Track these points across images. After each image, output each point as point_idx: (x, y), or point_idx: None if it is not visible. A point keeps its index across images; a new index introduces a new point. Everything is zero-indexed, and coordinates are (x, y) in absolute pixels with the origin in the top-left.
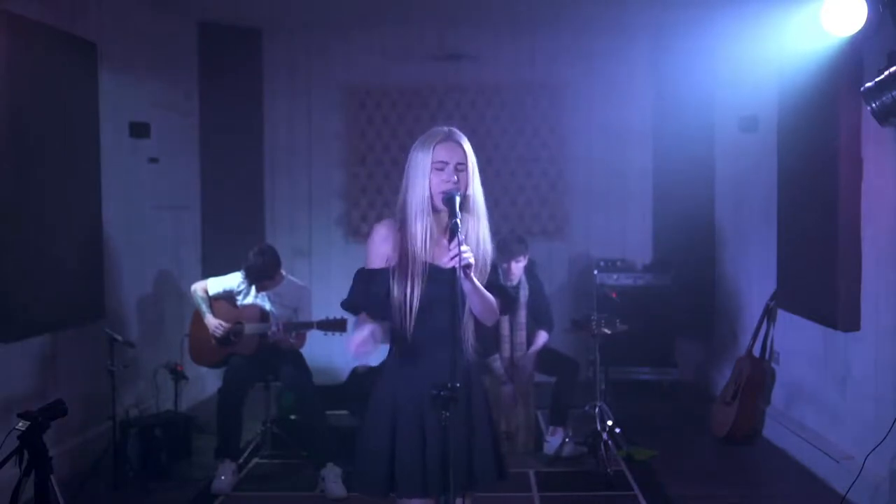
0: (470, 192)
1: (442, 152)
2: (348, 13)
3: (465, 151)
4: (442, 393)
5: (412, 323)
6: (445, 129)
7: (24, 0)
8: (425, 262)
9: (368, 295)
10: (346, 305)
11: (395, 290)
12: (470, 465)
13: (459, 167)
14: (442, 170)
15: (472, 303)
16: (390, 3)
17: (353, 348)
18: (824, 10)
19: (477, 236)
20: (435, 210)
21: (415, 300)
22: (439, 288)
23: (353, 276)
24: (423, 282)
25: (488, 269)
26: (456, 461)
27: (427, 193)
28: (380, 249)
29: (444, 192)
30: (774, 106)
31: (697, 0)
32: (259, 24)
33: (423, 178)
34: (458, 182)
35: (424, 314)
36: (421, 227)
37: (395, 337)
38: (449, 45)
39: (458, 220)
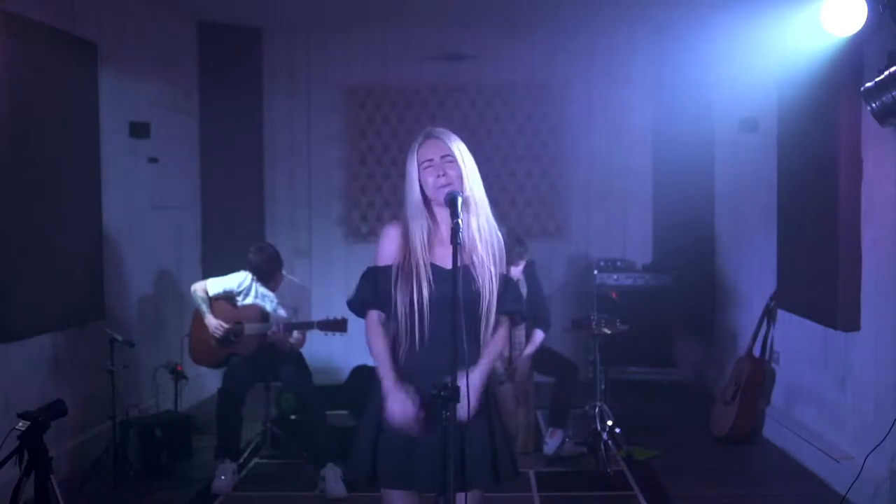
0: (467, 186)
1: (425, 151)
2: (348, 13)
3: (447, 144)
4: (442, 393)
5: (412, 324)
6: (427, 129)
7: (24, 0)
8: (426, 264)
9: (378, 292)
10: (353, 304)
11: (398, 292)
12: (464, 467)
13: (446, 159)
14: (430, 167)
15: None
16: (390, 3)
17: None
18: (824, 10)
19: (479, 232)
20: (431, 211)
21: (416, 302)
22: (442, 288)
23: (354, 275)
24: (426, 283)
25: (502, 258)
26: (447, 462)
27: (419, 196)
28: (387, 249)
29: (446, 194)
30: (774, 106)
31: (697, 0)
32: (259, 23)
33: (413, 182)
34: (447, 174)
35: (427, 315)
36: (419, 230)
37: (398, 336)
38: (449, 45)
39: (460, 221)
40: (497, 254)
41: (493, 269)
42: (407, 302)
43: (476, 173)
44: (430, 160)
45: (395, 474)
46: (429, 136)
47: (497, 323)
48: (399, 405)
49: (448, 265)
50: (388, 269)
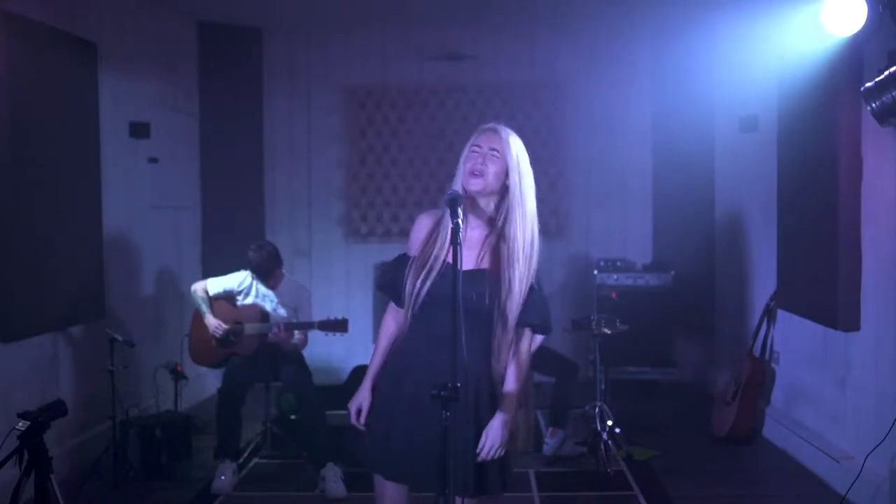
0: (514, 191)
1: (479, 138)
2: (348, 13)
3: (502, 139)
4: (442, 393)
5: (411, 315)
6: (495, 123)
7: (24, 0)
8: (438, 256)
9: (395, 281)
10: (377, 285)
11: (408, 280)
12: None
13: (493, 153)
14: (474, 153)
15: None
16: (390, 3)
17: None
18: (824, 10)
19: (523, 241)
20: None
21: (415, 294)
22: (448, 286)
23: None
24: (431, 277)
25: (534, 269)
26: (434, 462)
27: (459, 186)
28: (413, 239)
29: (448, 194)
30: (774, 106)
31: (697, 0)
32: (259, 23)
33: (461, 168)
34: (484, 167)
35: (428, 309)
36: (446, 222)
37: (405, 325)
38: (449, 45)
39: (460, 221)
40: (533, 265)
41: (522, 281)
42: (410, 292)
43: (529, 185)
44: (479, 147)
45: (385, 462)
46: (490, 128)
47: (519, 336)
48: (356, 404)
49: (467, 265)
50: (407, 259)
